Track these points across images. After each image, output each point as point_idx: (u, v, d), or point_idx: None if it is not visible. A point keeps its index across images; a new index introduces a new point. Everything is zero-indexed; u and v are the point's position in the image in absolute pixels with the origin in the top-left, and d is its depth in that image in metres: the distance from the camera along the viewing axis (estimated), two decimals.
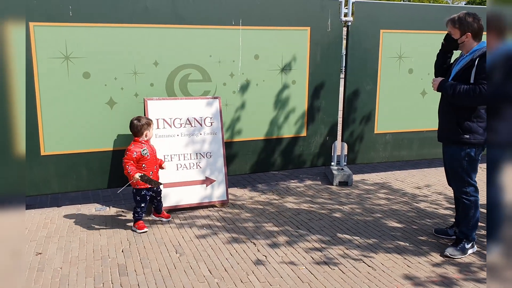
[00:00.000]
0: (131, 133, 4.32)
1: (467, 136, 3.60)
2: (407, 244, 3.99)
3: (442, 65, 3.91)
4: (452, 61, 3.90)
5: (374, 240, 4.07)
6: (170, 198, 4.72)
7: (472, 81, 3.51)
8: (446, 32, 3.75)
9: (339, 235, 4.18)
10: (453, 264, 3.63)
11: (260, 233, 4.21)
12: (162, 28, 4.86)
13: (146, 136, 4.29)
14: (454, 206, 4.15)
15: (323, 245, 3.96)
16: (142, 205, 4.24)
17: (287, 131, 5.58)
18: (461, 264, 3.64)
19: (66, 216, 4.60)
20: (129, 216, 4.61)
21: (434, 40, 5.81)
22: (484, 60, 3.45)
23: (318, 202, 5.08)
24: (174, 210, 4.73)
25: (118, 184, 4.85)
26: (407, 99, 6.04)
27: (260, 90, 5.38)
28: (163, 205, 4.57)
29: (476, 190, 3.73)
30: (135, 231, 4.21)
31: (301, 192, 5.45)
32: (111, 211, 4.79)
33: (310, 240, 4.07)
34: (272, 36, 5.33)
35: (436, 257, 3.75)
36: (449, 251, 3.76)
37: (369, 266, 3.58)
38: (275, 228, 4.33)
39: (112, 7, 4.62)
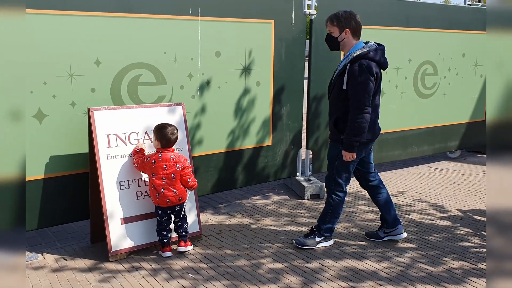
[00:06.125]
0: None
1: (343, 136, 3.57)
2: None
3: None
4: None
5: (407, 257, 3.52)
6: (130, 236, 3.65)
7: (344, 87, 3.48)
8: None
9: (366, 259, 3.55)
10: None
11: (264, 273, 3.39)
12: (104, 17, 3.74)
13: None
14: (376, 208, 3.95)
15: (366, 275, 3.29)
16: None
17: (251, 141, 4.79)
18: None
19: None
20: (76, 263, 3.45)
21: (403, 36, 5.45)
22: (355, 65, 3.43)
23: (302, 222, 4.39)
24: (137, 251, 3.67)
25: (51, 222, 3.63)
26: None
27: (223, 94, 4.51)
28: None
29: (342, 191, 3.73)
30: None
31: (274, 210, 4.70)
32: (48, 259, 3.55)
33: (336, 275, 3.37)
34: (234, 29, 4.49)
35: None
36: (297, 240, 3.84)
37: None
38: (279, 265, 3.52)
39: None
